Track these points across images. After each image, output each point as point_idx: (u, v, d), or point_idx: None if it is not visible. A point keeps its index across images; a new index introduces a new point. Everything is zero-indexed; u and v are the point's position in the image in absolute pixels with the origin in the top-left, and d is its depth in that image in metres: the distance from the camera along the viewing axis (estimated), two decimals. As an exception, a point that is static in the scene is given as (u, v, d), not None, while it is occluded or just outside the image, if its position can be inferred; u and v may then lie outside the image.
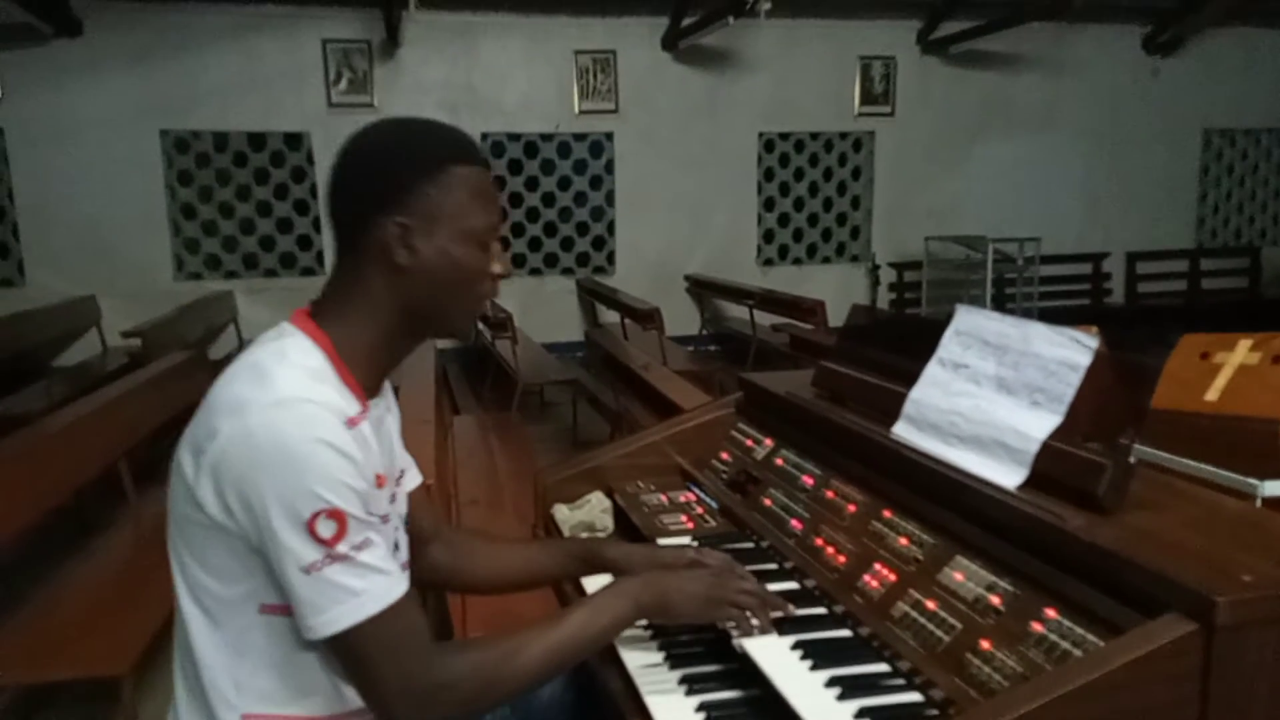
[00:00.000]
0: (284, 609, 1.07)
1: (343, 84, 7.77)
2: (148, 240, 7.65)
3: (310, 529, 1.02)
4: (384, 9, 7.39)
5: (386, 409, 1.28)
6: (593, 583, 1.58)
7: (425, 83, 7.89)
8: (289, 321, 1.16)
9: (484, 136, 8.21)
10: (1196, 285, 9.84)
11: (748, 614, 1.28)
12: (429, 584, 1.49)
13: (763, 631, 1.27)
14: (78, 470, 2.93)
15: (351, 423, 1.08)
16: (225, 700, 1.10)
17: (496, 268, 1.20)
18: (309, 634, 1.04)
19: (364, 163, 1.16)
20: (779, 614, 1.32)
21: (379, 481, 1.14)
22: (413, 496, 1.39)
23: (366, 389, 1.17)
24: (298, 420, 1.02)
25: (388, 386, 1.31)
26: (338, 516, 1.02)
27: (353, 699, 1.13)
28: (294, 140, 7.85)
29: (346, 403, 1.11)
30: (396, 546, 1.26)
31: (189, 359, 4.14)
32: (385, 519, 1.16)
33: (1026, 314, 7.97)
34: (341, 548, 1.03)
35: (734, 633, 1.28)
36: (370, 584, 1.05)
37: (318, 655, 1.11)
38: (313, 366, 1.10)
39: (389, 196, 1.12)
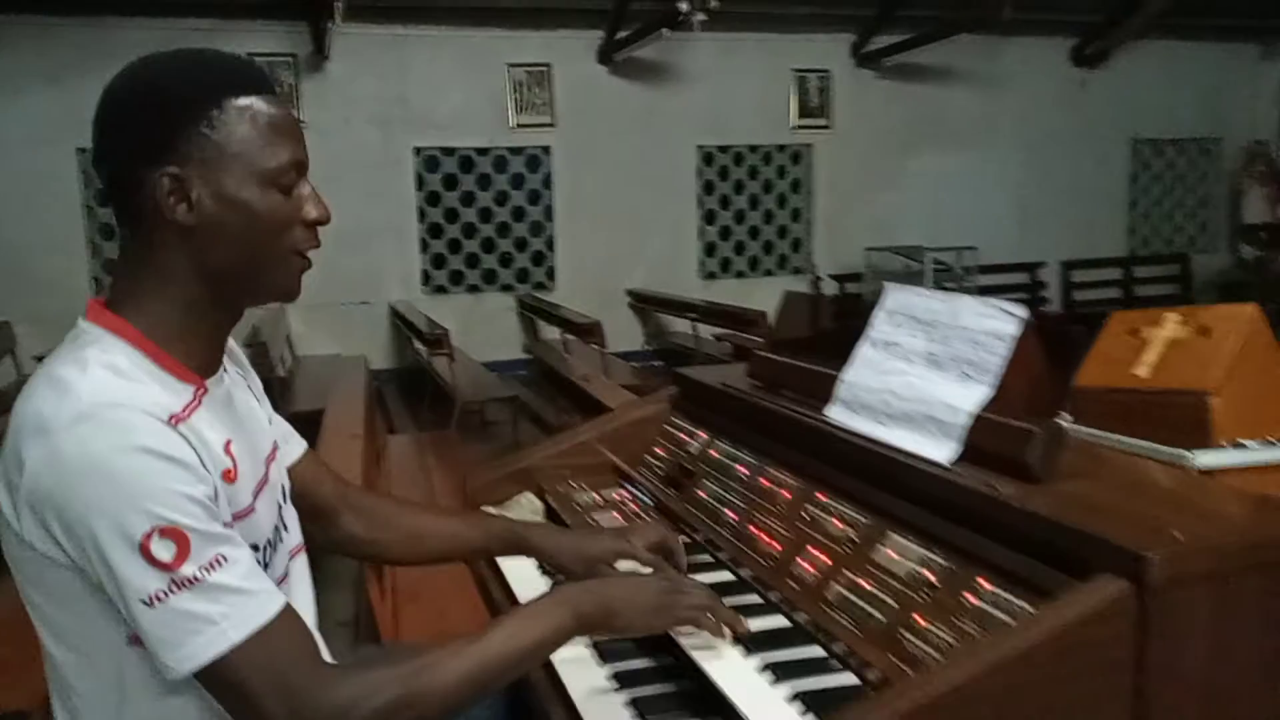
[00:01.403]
0: None
1: (268, 97, 7.62)
2: (65, 262, 7.36)
3: (145, 553, 0.88)
4: (310, 22, 7.28)
5: (236, 381, 1.15)
6: (509, 564, 1.53)
7: (355, 97, 7.77)
8: (83, 318, 1.01)
9: (418, 151, 8.10)
10: (1130, 292, 10.09)
11: (702, 619, 1.18)
12: (344, 554, 1.42)
13: (718, 634, 1.18)
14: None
15: (177, 419, 0.94)
16: None
17: (310, 212, 1.04)
18: (167, 673, 0.91)
19: (121, 109, 0.98)
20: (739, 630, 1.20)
21: (227, 476, 1.00)
22: (303, 469, 1.29)
23: (198, 368, 1.04)
24: (109, 431, 0.89)
25: (237, 354, 1.19)
26: (175, 534, 0.89)
27: None
28: (218, 157, 7.66)
29: (171, 395, 0.97)
30: (286, 527, 1.17)
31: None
32: (249, 511, 1.04)
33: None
34: (187, 570, 0.89)
35: (682, 641, 1.19)
36: (230, 607, 0.90)
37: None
38: (119, 364, 0.95)
39: (154, 144, 0.96)
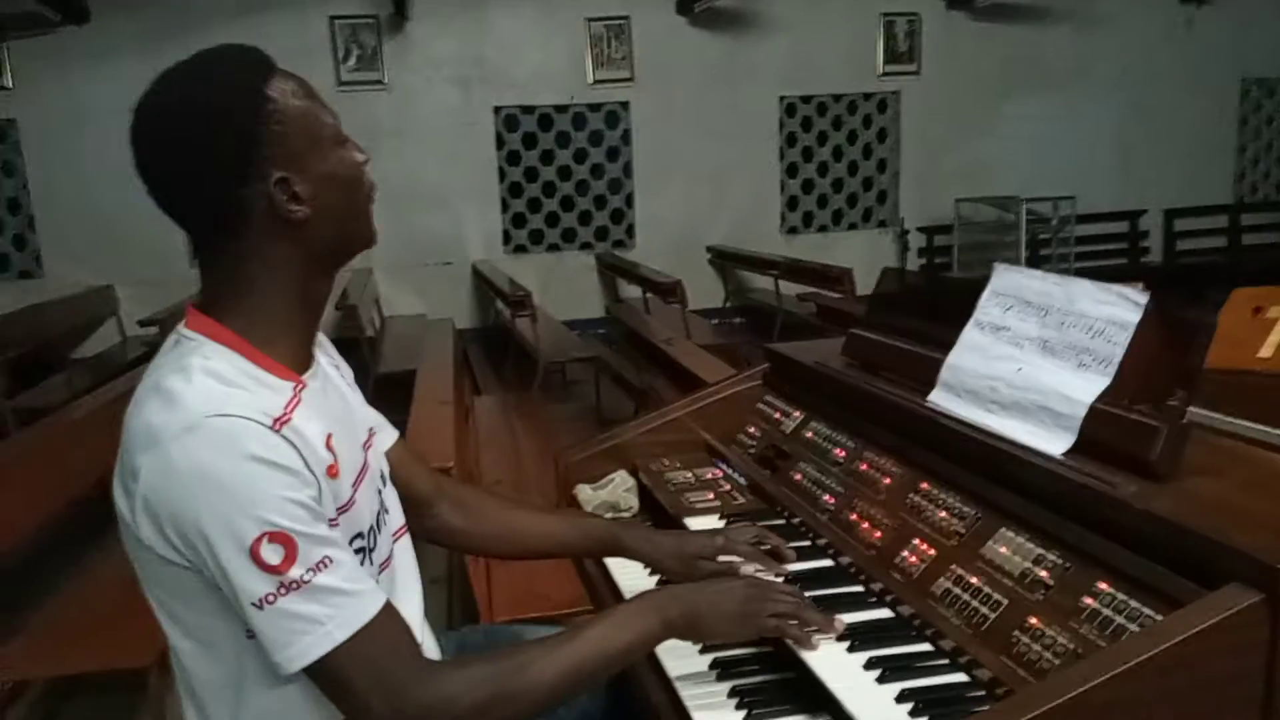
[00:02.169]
0: None
1: (351, 61, 7.69)
2: (163, 227, 7.47)
3: (256, 558, 0.92)
4: (393, -17, 7.32)
5: (329, 373, 1.17)
6: (617, 564, 1.52)
7: (436, 57, 7.80)
8: (184, 326, 1.05)
9: (497, 110, 8.11)
10: (1237, 241, 9.57)
11: (792, 624, 1.16)
12: (439, 544, 1.43)
13: (805, 644, 1.15)
14: (100, 459, 2.90)
15: (281, 422, 0.97)
16: None
17: (359, 156, 1.09)
18: (278, 670, 0.96)
19: (192, 140, 0.99)
20: (827, 634, 1.17)
21: (330, 471, 1.03)
22: (395, 457, 1.30)
23: (294, 365, 1.07)
24: (217, 441, 0.93)
25: (327, 345, 1.21)
26: (283, 539, 0.93)
27: None
28: (306, 120, 7.80)
29: (273, 396, 1.00)
30: (388, 510, 1.19)
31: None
32: (350, 504, 1.07)
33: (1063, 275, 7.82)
34: (295, 573, 0.93)
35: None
36: (335, 609, 0.95)
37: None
38: (221, 370, 0.99)
39: (244, 161, 0.99)
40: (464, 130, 7.97)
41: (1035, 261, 8.58)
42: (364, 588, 0.99)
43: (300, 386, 1.05)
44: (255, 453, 0.93)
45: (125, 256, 7.40)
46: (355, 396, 1.24)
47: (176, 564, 0.97)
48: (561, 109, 8.25)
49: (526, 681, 1.02)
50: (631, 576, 1.50)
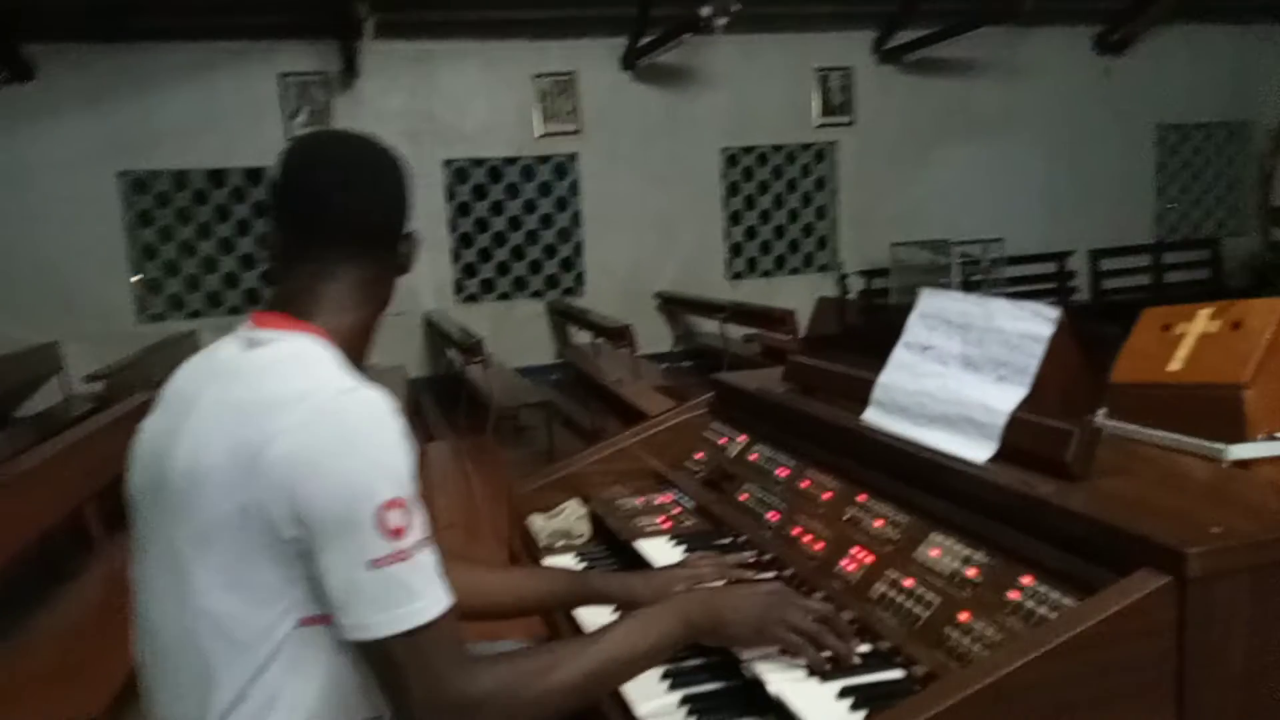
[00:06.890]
0: (323, 619, 1.01)
1: (301, 117, 7.73)
2: (108, 283, 7.54)
3: (381, 519, 0.97)
4: (341, 40, 7.39)
5: None
6: (585, 613, 1.49)
7: (386, 112, 7.87)
8: (261, 328, 1.10)
9: (447, 163, 8.19)
10: (1160, 279, 9.99)
11: (808, 647, 1.16)
12: None
13: (817, 669, 1.15)
14: (44, 514, 2.87)
15: None
16: None
17: None
18: (360, 632, 0.98)
19: (396, 185, 1.20)
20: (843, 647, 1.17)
21: None
22: None
23: None
24: (373, 406, 1.01)
25: None
26: (405, 507, 0.99)
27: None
28: (255, 175, 7.78)
29: None
30: None
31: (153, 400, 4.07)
32: None
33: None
34: (407, 543, 0.98)
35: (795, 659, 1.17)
36: (429, 589, 1.00)
37: (349, 661, 1.04)
38: (335, 361, 1.07)
39: (407, 210, 1.20)
40: (415, 183, 8.02)
41: (972, 301, 8.83)
42: (444, 579, 1.03)
43: None
44: (396, 425, 1.02)
45: (69, 313, 7.28)
46: None
47: (274, 535, 0.98)
48: (510, 161, 8.36)
49: (553, 683, 1.06)
50: (597, 618, 1.48)
